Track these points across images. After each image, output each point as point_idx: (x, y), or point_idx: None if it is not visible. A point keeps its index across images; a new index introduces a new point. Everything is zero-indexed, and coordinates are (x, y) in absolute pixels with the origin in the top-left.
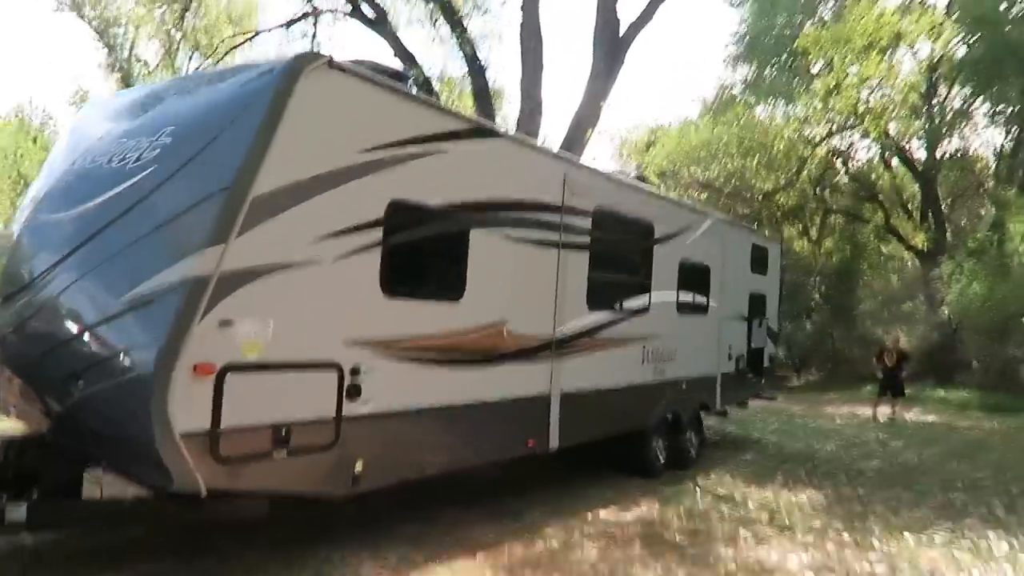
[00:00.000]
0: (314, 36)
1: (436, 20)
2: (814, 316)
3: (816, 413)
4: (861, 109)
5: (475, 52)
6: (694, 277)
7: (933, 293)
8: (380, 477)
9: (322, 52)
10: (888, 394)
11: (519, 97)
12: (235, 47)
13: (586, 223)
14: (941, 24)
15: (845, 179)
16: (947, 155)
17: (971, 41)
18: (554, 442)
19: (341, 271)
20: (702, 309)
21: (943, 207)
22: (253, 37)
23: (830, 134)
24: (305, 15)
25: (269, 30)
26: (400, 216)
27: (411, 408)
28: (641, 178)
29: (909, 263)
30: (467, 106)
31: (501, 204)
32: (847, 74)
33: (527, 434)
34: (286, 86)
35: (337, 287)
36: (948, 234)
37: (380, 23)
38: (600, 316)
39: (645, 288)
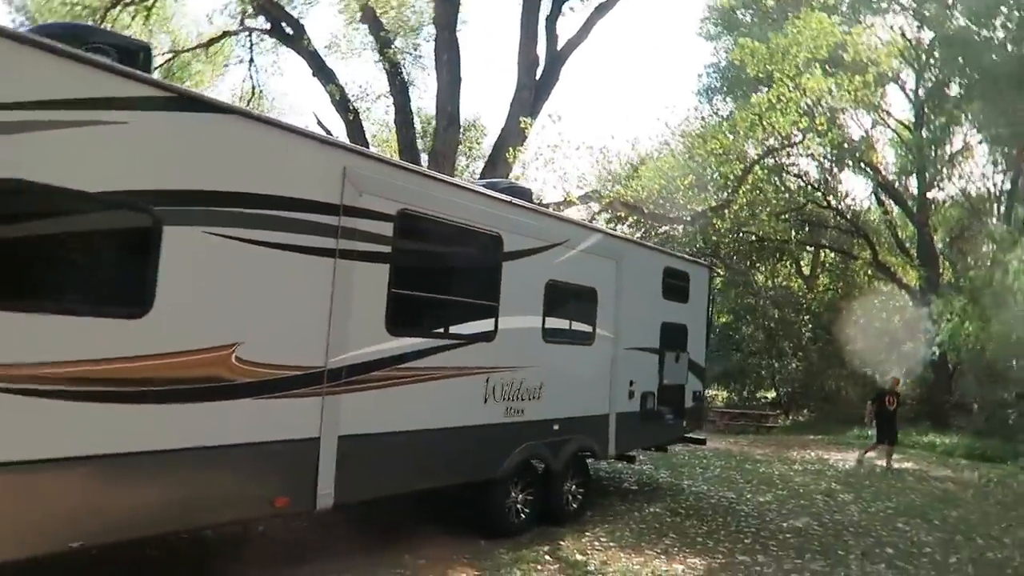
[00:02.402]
0: (251, 61)
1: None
2: (804, 354)
3: (779, 457)
4: (804, 125)
5: (397, 69)
6: (571, 301)
7: (927, 333)
8: None
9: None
10: (885, 441)
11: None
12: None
13: (385, 229)
14: (891, 42)
15: (828, 213)
16: (942, 192)
17: (938, 63)
18: (326, 499)
19: None
20: (584, 338)
21: (937, 244)
22: (173, 58)
23: (770, 152)
24: (226, 34)
25: (189, 50)
26: (21, 202)
27: (42, 458)
28: (518, 191)
29: (910, 302)
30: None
31: (225, 197)
32: (789, 88)
33: (273, 490)
34: None
35: None
36: (948, 272)
37: (296, 41)
38: (410, 342)
39: (489, 311)
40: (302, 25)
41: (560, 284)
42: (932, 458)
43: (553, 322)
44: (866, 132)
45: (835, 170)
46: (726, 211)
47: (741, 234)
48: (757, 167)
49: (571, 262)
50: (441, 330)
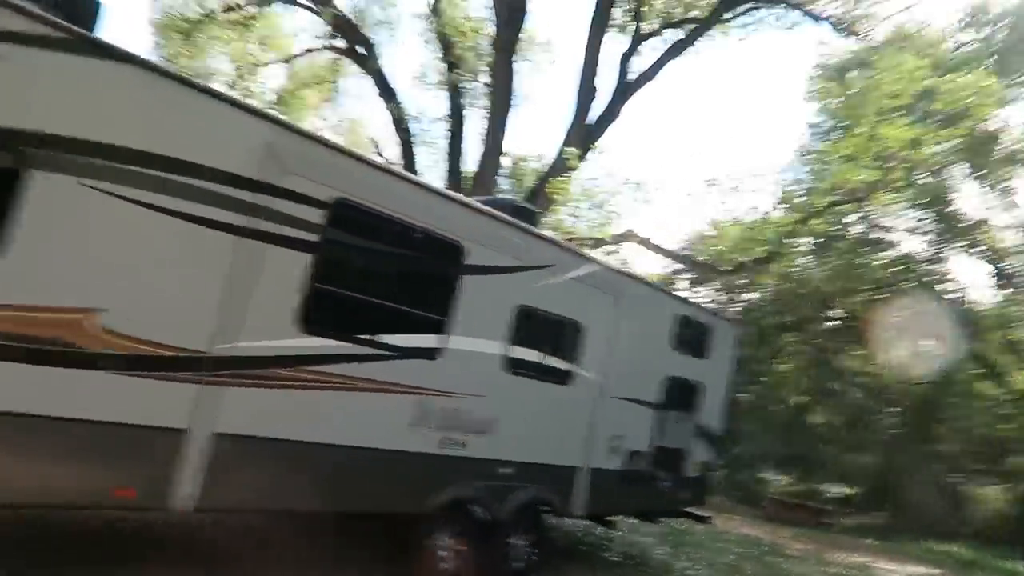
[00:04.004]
0: (335, 82)
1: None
2: (884, 450)
3: (816, 556)
4: (876, 177)
5: (456, 92)
6: (547, 333)
7: None
8: None
9: None
10: None
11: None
12: (240, 77)
13: (313, 216)
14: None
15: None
16: None
17: None
18: (186, 500)
19: None
20: (559, 377)
21: None
22: (255, 70)
23: (832, 205)
24: (308, 51)
25: (266, 64)
26: None
27: None
28: (521, 210)
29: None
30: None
31: (112, 150)
32: (865, 137)
33: (113, 479)
34: None
35: None
36: None
37: (365, 61)
38: (326, 344)
39: (435, 326)
40: (373, 46)
41: (534, 311)
42: None
43: (519, 352)
44: (983, 208)
45: (940, 249)
46: (771, 265)
47: (826, 309)
48: (816, 221)
49: (553, 289)
50: (368, 337)
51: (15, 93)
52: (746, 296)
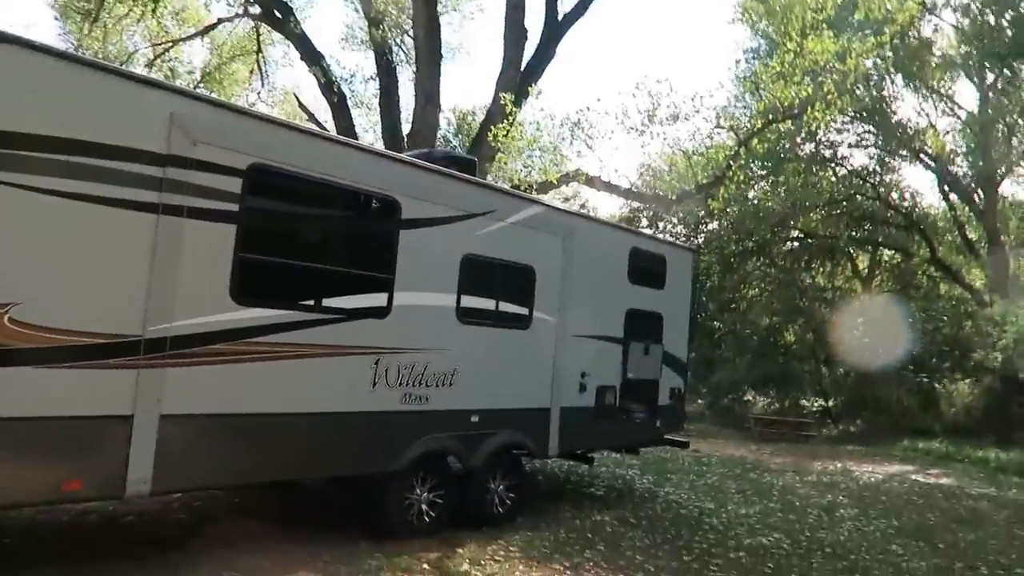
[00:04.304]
0: (258, 51)
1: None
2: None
3: (796, 467)
4: (804, 95)
5: (384, 49)
6: (498, 279)
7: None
8: None
9: None
10: None
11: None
12: (157, 56)
13: (230, 185)
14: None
15: (882, 208)
16: (1019, 185)
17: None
18: (140, 485)
19: None
20: (516, 322)
21: (1010, 241)
22: (170, 48)
23: (769, 123)
24: (221, 20)
25: (184, 39)
26: None
27: None
28: (458, 160)
29: (975, 304)
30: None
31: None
32: (792, 52)
33: (61, 472)
34: None
35: None
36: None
37: (285, 25)
38: (266, 314)
39: (381, 284)
40: (291, 8)
41: (482, 259)
42: (981, 475)
43: (472, 301)
44: (925, 114)
45: (887, 159)
46: (721, 189)
47: (785, 230)
48: (756, 142)
49: (498, 235)
50: (310, 302)
51: None
52: (706, 227)
